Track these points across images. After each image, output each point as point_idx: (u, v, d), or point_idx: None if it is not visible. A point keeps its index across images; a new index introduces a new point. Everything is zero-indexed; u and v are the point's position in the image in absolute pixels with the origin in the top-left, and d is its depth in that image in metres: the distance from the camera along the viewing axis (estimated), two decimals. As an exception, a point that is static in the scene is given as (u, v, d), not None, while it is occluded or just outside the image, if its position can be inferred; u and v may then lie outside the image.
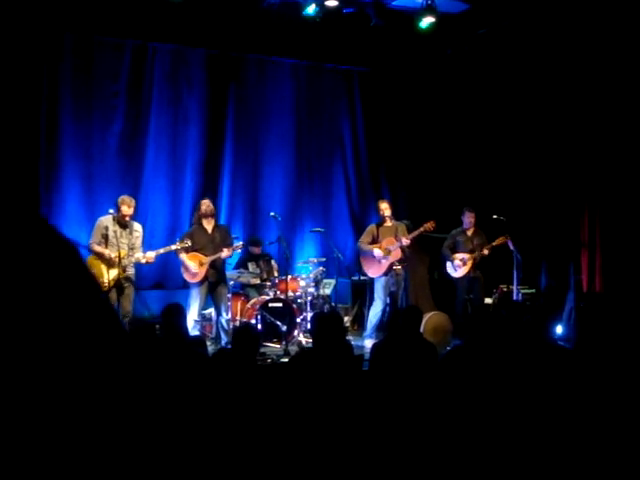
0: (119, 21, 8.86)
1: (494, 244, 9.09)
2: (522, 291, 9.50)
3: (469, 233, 9.23)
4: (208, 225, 8.28)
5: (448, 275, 9.34)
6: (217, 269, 8.24)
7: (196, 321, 8.08)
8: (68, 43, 9.11)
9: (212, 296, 8.27)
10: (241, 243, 8.80)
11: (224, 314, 8.23)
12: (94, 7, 8.57)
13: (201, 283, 8.11)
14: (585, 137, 9.31)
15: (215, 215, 8.54)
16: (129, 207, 7.64)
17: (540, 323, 5.10)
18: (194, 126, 10.01)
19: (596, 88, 9.11)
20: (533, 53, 9.84)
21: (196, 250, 8.13)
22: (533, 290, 9.83)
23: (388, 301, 8.75)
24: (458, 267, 9.11)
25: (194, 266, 8.04)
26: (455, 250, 9.21)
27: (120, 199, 7.71)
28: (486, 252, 9.04)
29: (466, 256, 9.06)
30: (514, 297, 9.11)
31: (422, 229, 8.68)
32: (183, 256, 8.08)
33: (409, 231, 8.86)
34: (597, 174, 9.23)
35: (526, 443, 3.88)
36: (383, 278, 8.68)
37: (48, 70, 8.92)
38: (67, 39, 9.08)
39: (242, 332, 4.75)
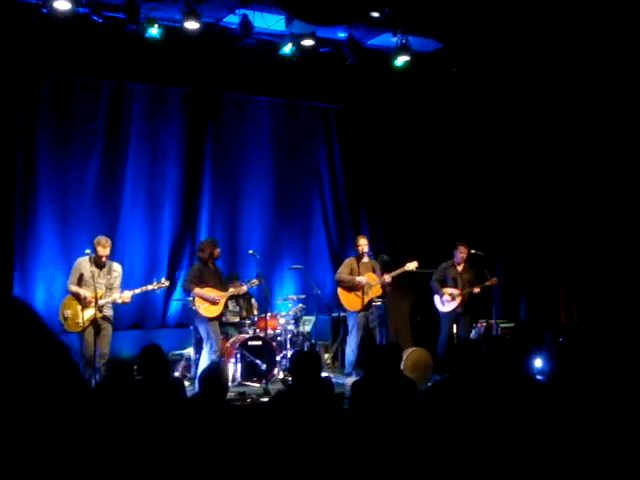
0: (97, 61, 8.90)
1: (486, 284, 9.07)
2: (501, 325, 9.54)
3: (459, 268, 9.16)
4: (211, 265, 8.28)
5: (435, 309, 9.27)
6: (226, 306, 8.43)
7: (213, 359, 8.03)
8: (46, 82, 9.13)
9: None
10: (257, 280, 8.69)
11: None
12: (72, 48, 8.61)
13: (216, 318, 8.13)
14: (560, 171, 9.46)
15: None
16: (104, 247, 7.60)
17: (519, 358, 5.12)
18: (172, 164, 10.03)
19: (566, 123, 9.29)
20: (506, 90, 10.02)
21: (208, 287, 8.10)
22: (512, 324, 9.87)
23: (364, 334, 8.71)
24: (447, 302, 9.03)
25: (212, 295, 8.02)
26: (444, 284, 9.14)
27: (96, 240, 7.67)
28: (477, 290, 9.02)
29: (456, 291, 9.00)
30: (493, 332, 9.14)
31: (404, 269, 8.69)
32: (199, 290, 8.02)
33: (387, 266, 8.87)
34: (574, 208, 9.36)
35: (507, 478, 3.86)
36: (360, 313, 8.65)
37: (25, 108, 8.92)
38: (45, 79, 9.10)
39: (209, 375, 4.66)
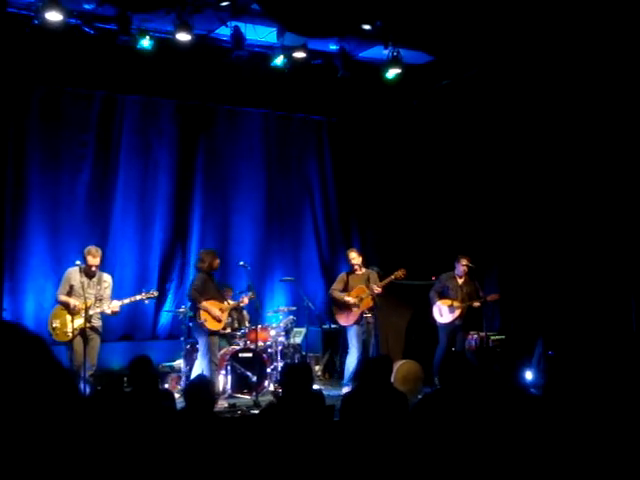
0: (88, 73, 8.91)
1: (488, 299, 8.99)
2: (492, 337, 9.53)
3: (460, 281, 9.03)
4: (211, 277, 8.27)
5: (432, 321, 9.14)
6: (232, 318, 8.46)
7: (217, 366, 8.05)
8: (37, 94, 9.12)
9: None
10: (250, 294, 8.70)
11: None
12: (63, 59, 8.61)
13: (218, 332, 8.13)
14: (553, 183, 9.49)
15: None
16: (94, 257, 7.57)
17: (510, 370, 5.12)
18: (163, 176, 10.01)
19: (558, 134, 9.33)
20: (497, 102, 10.07)
21: (211, 299, 8.09)
22: (503, 336, 9.87)
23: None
24: (446, 313, 8.92)
25: (217, 311, 8.01)
26: (443, 296, 9.02)
27: (86, 250, 7.65)
28: (477, 304, 8.92)
29: (455, 304, 8.89)
30: (484, 344, 9.12)
31: (393, 277, 8.67)
32: (206, 304, 8.00)
33: (380, 278, 8.85)
34: (564, 221, 9.38)
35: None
36: (355, 326, 8.64)
37: (15, 119, 8.89)
38: (36, 90, 9.09)
39: (195, 388, 4.63)
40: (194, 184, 10.26)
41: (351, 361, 8.65)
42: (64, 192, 9.31)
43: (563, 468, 3.44)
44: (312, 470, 4.14)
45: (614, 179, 8.70)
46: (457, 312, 8.87)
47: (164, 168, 10.02)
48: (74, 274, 7.55)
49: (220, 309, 8.05)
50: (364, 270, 8.77)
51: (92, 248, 7.68)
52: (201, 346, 8.05)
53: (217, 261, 8.23)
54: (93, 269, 7.59)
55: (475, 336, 9.40)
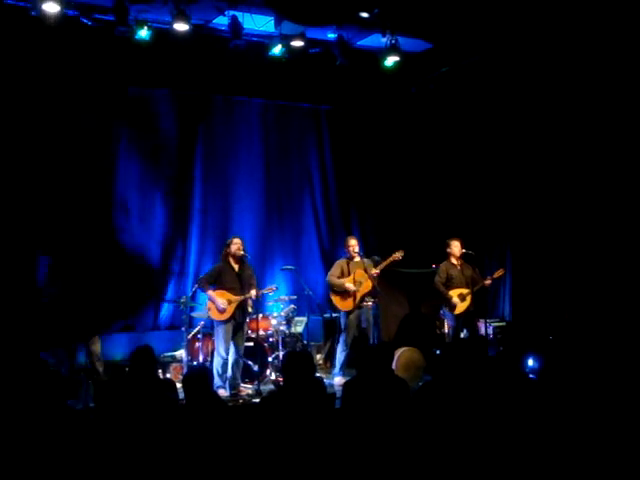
0: (86, 64, 8.88)
1: (495, 276, 8.90)
2: (493, 324, 9.55)
3: (459, 267, 8.90)
4: (235, 264, 8.17)
5: (445, 313, 8.97)
6: (243, 310, 8.16)
7: (224, 358, 7.99)
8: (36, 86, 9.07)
9: (234, 336, 8.10)
10: (274, 286, 8.78)
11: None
12: (60, 50, 8.58)
13: (227, 322, 8.00)
14: (552, 169, 9.49)
15: (244, 255, 8.23)
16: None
17: (512, 357, 5.14)
18: (162, 166, 10.01)
19: (558, 120, 9.32)
20: (495, 89, 10.06)
21: (224, 289, 8.05)
22: (504, 323, 9.89)
23: (356, 334, 8.69)
24: (456, 304, 8.70)
25: (223, 302, 7.96)
26: (449, 286, 8.82)
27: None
28: (488, 282, 8.81)
29: (464, 291, 8.74)
30: (482, 330, 9.12)
31: (391, 259, 8.65)
32: (211, 293, 8.00)
33: (378, 266, 8.81)
34: (561, 207, 9.39)
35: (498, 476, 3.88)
36: (353, 313, 8.65)
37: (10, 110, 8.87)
38: (31, 81, 9.05)
39: (192, 378, 4.63)
40: (193, 173, 10.27)
41: (339, 351, 8.68)
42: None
43: (560, 451, 3.46)
44: (313, 456, 4.16)
45: (620, 159, 8.65)
46: (469, 298, 8.76)
47: (163, 158, 10.02)
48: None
49: (228, 300, 8.01)
50: (362, 258, 8.77)
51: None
52: (214, 334, 8.16)
53: (234, 247, 8.10)
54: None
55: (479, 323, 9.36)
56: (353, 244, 8.76)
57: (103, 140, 9.58)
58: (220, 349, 7.99)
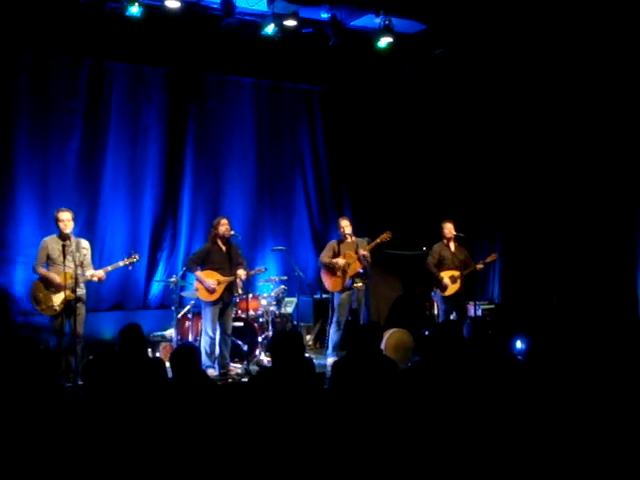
0: (77, 40, 8.79)
1: (487, 261, 9.06)
2: (482, 307, 9.59)
3: (452, 248, 8.97)
4: (223, 245, 8.14)
5: (436, 294, 9.05)
6: (231, 290, 8.16)
7: (212, 338, 7.99)
8: (25, 61, 8.99)
9: (221, 316, 8.11)
10: (263, 267, 8.83)
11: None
12: (51, 26, 8.50)
13: (215, 303, 8.00)
14: (546, 153, 9.50)
15: (234, 235, 8.20)
16: (68, 221, 7.31)
17: (500, 339, 5.16)
18: (153, 145, 9.93)
19: (551, 103, 9.32)
20: (489, 71, 10.03)
21: (213, 269, 8.02)
22: (493, 305, 9.94)
23: (349, 318, 8.72)
24: (447, 286, 8.82)
25: (212, 282, 7.93)
26: (441, 267, 8.91)
27: (56, 213, 7.36)
28: (480, 266, 8.98)
29: (456, 274, 8.83)
30: (473, 312, 9.17)
31: (379, 240, 8.65)
32: (200, 273, 7.97)
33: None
34: (556, 192, 9.41)
35: (487, 458, 3.90)
36: (344, 294, 8.66)
37: (2, 88, 8.79)
38: (23, 57, 8.96)
39: (178, 356, 4.62)
40: (184, 153, 10.19)
41: (334, 331, 8.70)
42: (53, 161, 9.21)
43: (547, 432, 3.49)
44: (302, 436, 4.17)
45: (611, 143, 8.67)
46: (459, 281, 8.83)
47: (154, 137, 9.94)
48: (50, 242, 7.37)
49: (217, 280, 7.99)
50: (354, 238, 8.75)
51: (62, 210, 7.39)
52: (202, 315, 8.15)
53: (222, 228, 8.08)
54: (67, 231, 7.28)
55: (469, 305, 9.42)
56: (344, 225, 8.75)
57: (93, 117, 9.50)
58: (208, 329, 8.00)
